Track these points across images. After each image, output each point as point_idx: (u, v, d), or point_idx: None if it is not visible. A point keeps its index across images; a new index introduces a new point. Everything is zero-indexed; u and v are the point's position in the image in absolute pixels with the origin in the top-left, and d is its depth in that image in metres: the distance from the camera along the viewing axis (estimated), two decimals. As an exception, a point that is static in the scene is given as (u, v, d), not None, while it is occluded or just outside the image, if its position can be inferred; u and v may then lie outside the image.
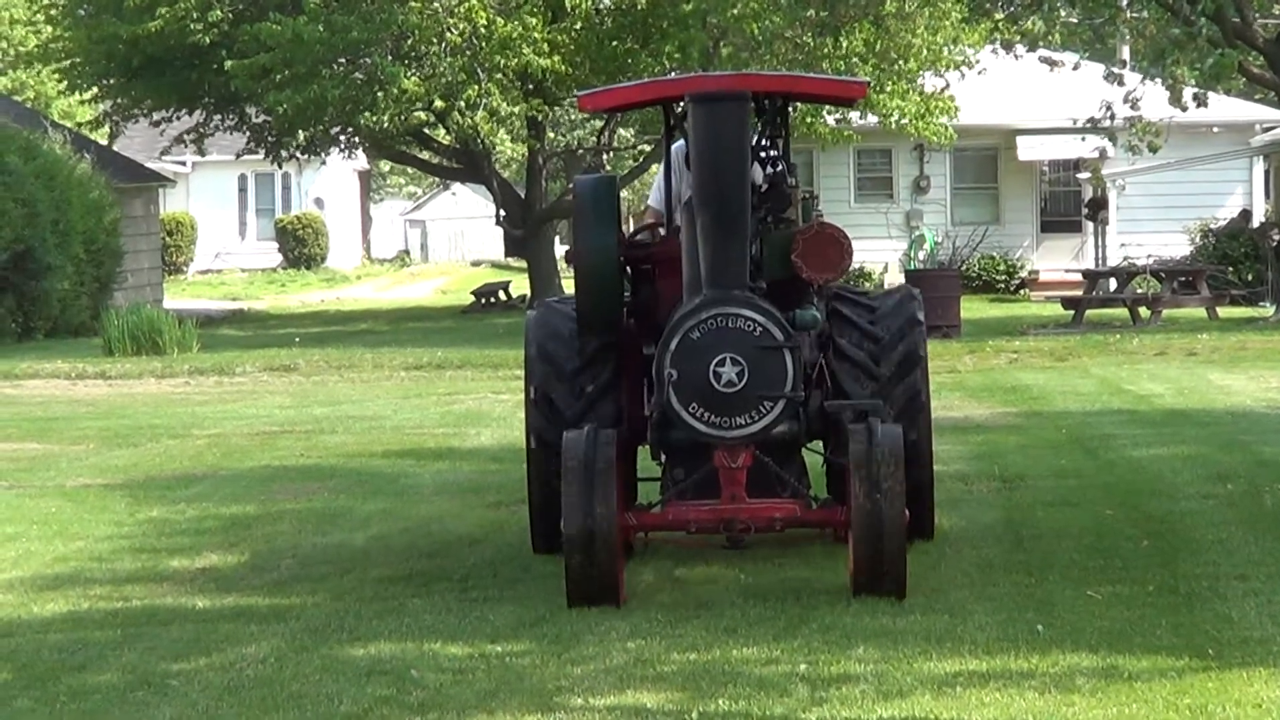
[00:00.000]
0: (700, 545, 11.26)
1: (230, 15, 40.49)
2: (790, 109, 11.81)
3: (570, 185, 34.69)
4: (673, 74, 29.31)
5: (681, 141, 11.28)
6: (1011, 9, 32.53)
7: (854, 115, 37.51)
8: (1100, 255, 41.86)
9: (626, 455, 11.03)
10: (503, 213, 44.88)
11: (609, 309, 10.91)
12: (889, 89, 37.06)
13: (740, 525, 10.38)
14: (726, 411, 9.98)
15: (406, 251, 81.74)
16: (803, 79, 16.88)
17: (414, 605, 10.30)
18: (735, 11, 35.71)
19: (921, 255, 41.99)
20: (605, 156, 45.09)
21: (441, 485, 14.91)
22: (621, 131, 45.74)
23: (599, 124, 45.51)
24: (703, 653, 9.00)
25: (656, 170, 18.11)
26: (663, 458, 10.97)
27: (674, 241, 11.08)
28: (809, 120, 36.42)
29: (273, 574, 11.43)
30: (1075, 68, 35.54)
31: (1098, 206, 42.56)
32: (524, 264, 47.95)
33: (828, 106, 34.10)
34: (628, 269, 11.19)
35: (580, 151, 50.51)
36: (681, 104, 11.00)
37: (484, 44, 38.09)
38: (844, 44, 36.07)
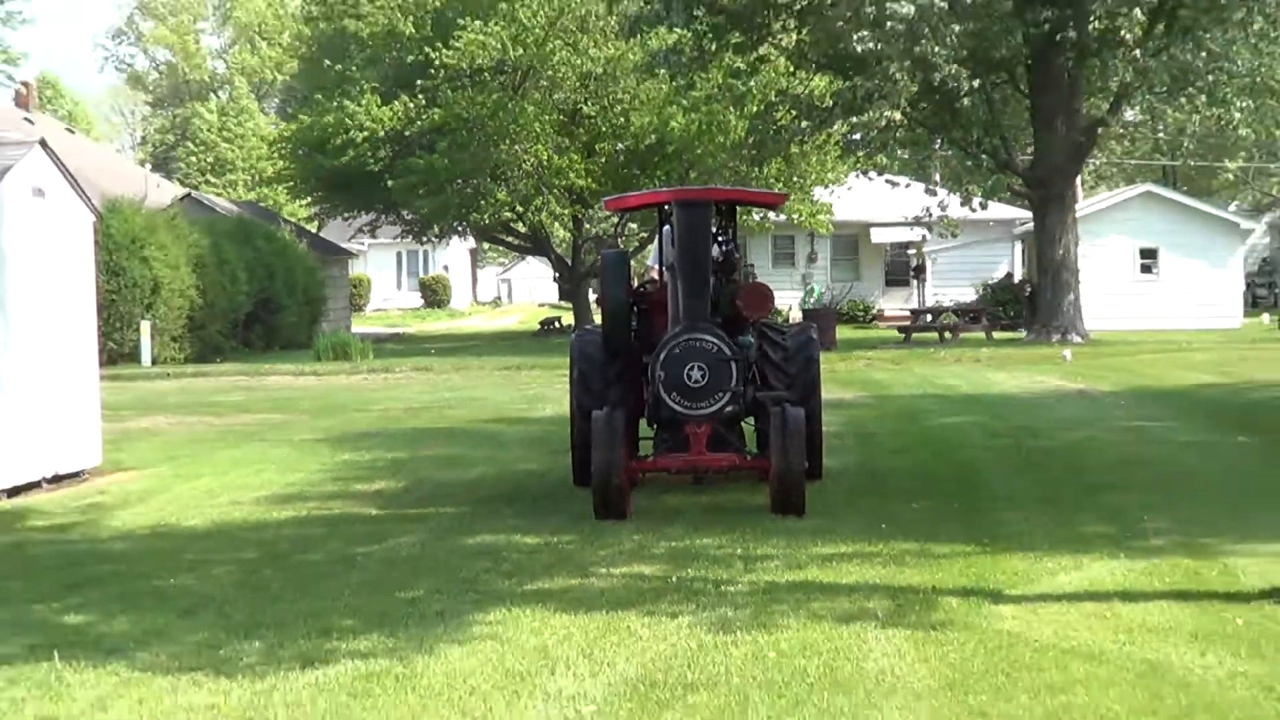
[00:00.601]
0: (678, 481, 11.27)
1: (391, 154, 40.57)
2: (736, 210, 11.74)
3: (599, 257, 34.72)
4: (662, 188, 29.34)
5: (668, 228, 11.21)
6: (868, 149, 32.56)
7: (772, 215, 37.66)
8: (921, 300, 41.85)
9: (632, 425, 10.92)
10: (557, 274, 44.89)
11: (622, 334, 10.82)
12: (793, 198, 37.14)
13: (702, 469, 10.38)
14: (694, 399, 9.93)
15: (499, 297, 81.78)
16: (745, 191, 16.81)
17: (504, 513, 10.28)
18: (699, 152, 36.13)
19: (812, 300, 41.89)
20: (620, 239, 45.06)
21: (521, 440, 14.88)
22: (630, 225, 45.75)
23: (615, 220, 45.52)
24: (679, 542, 9.00)
25: (651, 247, 18.11)
26: (654, 427, 10.97)
27: (663, 291, 11.02)
28: (744, 218, 36.44)
29: (418, 494, 11.42)
30: (906, 185, 35.56)
31: (920, 270, 42.66)
32: (570, 306, 47.90)
33: (759, 209, 34.43)
34: (634, 309, 11.08)
35: (605, 237, 50.48)
36: (668, 206, 10.96)
37: (546, 171, 38.17)
38: (765, 170, 36.16)
